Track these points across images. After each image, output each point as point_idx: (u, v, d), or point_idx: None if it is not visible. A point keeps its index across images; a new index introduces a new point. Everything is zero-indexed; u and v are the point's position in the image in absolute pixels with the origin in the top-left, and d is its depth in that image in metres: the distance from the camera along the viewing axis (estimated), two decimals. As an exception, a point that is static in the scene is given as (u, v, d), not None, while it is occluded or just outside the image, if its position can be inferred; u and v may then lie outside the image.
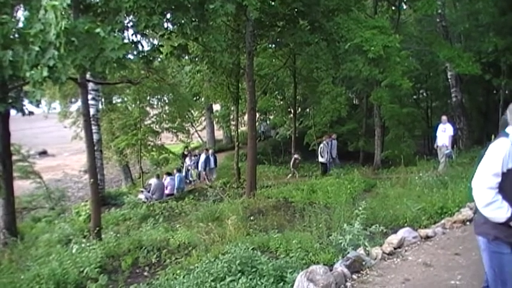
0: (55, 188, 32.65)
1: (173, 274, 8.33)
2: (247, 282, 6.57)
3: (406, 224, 10.23)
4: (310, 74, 27.98)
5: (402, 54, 21.06)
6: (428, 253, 7.77)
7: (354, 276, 6.91)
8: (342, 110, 27.10)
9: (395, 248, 8.06)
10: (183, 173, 26.37)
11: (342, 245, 8.15)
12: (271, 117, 39.49)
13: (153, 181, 24.12)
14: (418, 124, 32.29)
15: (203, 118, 41.78)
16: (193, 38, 15.67)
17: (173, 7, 13.36)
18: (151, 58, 15.14)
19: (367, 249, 7.79)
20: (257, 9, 16.10)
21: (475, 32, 26.39)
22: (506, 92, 26.32)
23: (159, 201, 20.99)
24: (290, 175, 24.22)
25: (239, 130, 26.70)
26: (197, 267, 7.66)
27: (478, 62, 23.39)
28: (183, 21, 13.56)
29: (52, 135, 54.61)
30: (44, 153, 50.32)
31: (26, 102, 14.16)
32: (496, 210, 4.25)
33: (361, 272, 7.07)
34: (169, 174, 24.58)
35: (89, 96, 17.51)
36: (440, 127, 18.69)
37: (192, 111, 38.15)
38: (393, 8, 26.30)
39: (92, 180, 13.01)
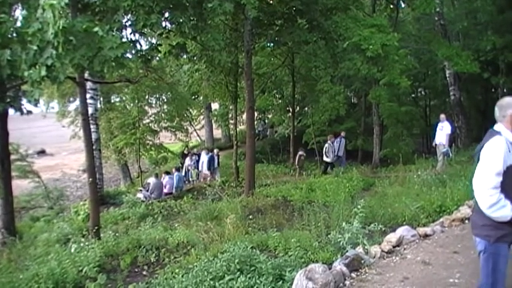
0: (53, 188, 32.65)
1: (172, 273, 8.33)
2: (246, 281, 6.58)
3: (404, 223, 10.24)
4: (309, 73, 27.97)
5: (400, 53, 21.04)
6: (427, 251, 7.77)
7: (353, 275, 6.92)
8: (340, 109, 27.04)
9: (394, 247, 8.06)
10: (183, 173, 26.37)
11: (341, 243, 8.16)
12: (270, 116, 39.50)
13: (151, 180, 24.11)
14: (417, 122, 32.31)
15: (202, 117, 41.76)
16: (192, 37, 15.64)
17: (171, 6, 13.34)
18: (149, 57, 15.11)
19: (366, 247, 7.79)
20: (255, 8, 16.08)
21: (473, 30, 26.41)
22: (505, 90, 26.28)
23: (157, 200, 20.97)
24: (297, 173, 23.99)
25: (238, 129, 26.67)
26: (196, 266, 7.68)
27: (476, 60, 23.40)
28: (181, 20, 13.55)
29: (50, 135, 54.59)
30: (42, 153, 50.28)
31: (24, 101, 14.18)
32: (501, 210, 4.26)
33: (360, 270, 7.07)
34: (168, 173, 24.58)
35: (87, 96, 17.51)
36: (439, 125, 18.69)
37: (191, 110, 38.14)
38: (391, 6, 26.34)
39: (90, 179, 12.99)
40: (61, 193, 31.84)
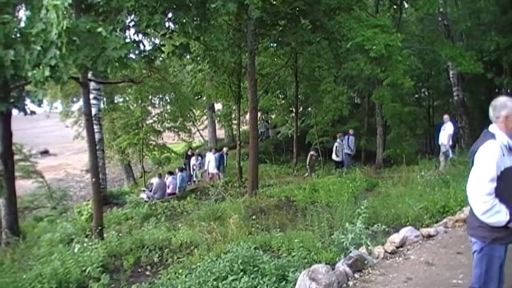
0: (57, 188, 32.65)
1: (175, 273, 8.35)
2: (249, 281, 6.58)
3: (408, 223, 10.25)
4: (312, 73, 27.96)
5: (404, 53, 21.00)
6: (431, 252, 7.76)
7: (356, 275, 6.91)
8: (343, 109, 27.02)
9: (397, 247, 8.05)
10: (189, 173, 26.39)
11: (344, 244, 8.16)
12: (273, 116, 39.47)
13: (155, 180, 24.11)
14: (420, 123, 32.18)
15: (205, 117, 41.72)
16: (195, 37, 15.66)
17: (175, 6, 13.35)
18: (152, 57, 15.12)
19: (369, 248, 7.79)
20: (259, 8, 16.11)
21: (476, 30, 26.37)
22: (508, 90, 26.27)
23: (161, 200, 20.99)
24: (307, 174, 23.89)
25: (241, 129, 26.66)
26: (199, 266, 7.68)
27: (479, 60, 23.36)
28: (184, 21, 13.55)
29: (54, 135, 54.63)
30: (45, 153, 50.34)
31: (27, 101, 14.18)
32: (495, 215, 4.26)
33: (363, 271, 7.07)
34: (171, 173, 24.57)
35: (91, 96, 17.52)
36: (443, 126, 18.67)
37: (194, 110, 38.13)
38: (395, 6, 26.28)
39: (93, 179, 13.01)
40: (64, 193, 31.85)
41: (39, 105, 13.31)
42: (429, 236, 8.64)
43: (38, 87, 9.68)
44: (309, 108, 33.31)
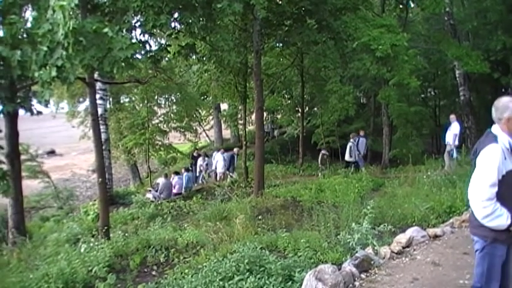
0: (63, 188, 32.78)
1: (181, 273, 8.35)
2: (255, 282, 6.58)
3: (414, 223, 10.23)
4: (318, 73, 27.97)
5: (410, 53, 20.96)
6: (437, 252, 7.75)
7: (363, 276, 6.90)
8: (349, 109, 27.01)
9: (403, 247, 8.04)
10: (196, 174, 26.39)
11: (350, 244, 8.15)
12: (279, 116, 39.45)
13: (161, 180, 24.15)
14: (426, 123, 32.08)
15: (211, 117, 41.80)
16: (201, 37, 15.70)
17: (181, 6, 13.39)
18: (159, 57, 15.17)
19: (375, 248, 7.78)
20: (264, 8, 16.10)
21: (483, 30, 26.25)
22: (515, 90, 26.22)
23: (167, 200, 21.01)
24: (319, 172, 23.79)
25: (247, 129, 26.65)
26: (205, 266, 7.68)
27: (486, 60, 23.28)
28: (190, 21, 13.60)
29: (60, 135, 54.78)
30: (52, 153, 50.52)
31: (34, 102, 14.21)
32: (496, 220, 4.25)
33: (370, 271, 7.06)
34: (177, 173, 24.60)
35: (97, 96, 17.55)
36: (450, 126, 18.63)
37: (200, 110, 38.18)
38: (401, 6, 26.20)
39: (100, 179, 13.03)
40: (71, 193, 31.95)
41: (46, 106, 13.33)
42: (436, 236, 8.62)
43: (44, 87, 9.71)
44: (315, 108, 33.27)
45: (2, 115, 14.30)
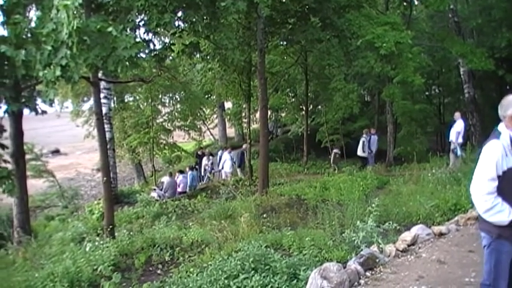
0: (68, 187, 32.89)
1: (186, 272, 8.35)
2: (260, 280, 6.58)
3: (419, 221, 10.23)
4: (322, 71, 27.93)
5: (414, 51, 20.93)
6: (442, 250, 7.74)
7: (368, 274, 6.90)
8: (354, 107, 26.98)
9: (408, 245, 8.04)
10: (201, 173, 26.39)
11: (355, 242, 8.14)
12: (283, 114, 39.43)
13: (165, 179, 24.19)
14: (431, 120, 32.02)
15: (215, 116, 41.83)
16: (205, 36, 15.68)
17: (184, 5, 13.38)
18: (163, 56, 15.17)
19: (380, 246, 7.77)
20: (268, 6, 16.11)
21: (487, 27, 26.17)
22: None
23: (171, 199, 21.02)
24: (331, 170, 23.65)
25: (251, 128, 26.64)
26: (210, 264, 7.70)
27: (491, 57, 23.19)
28: (194, 19, 13.60)
29: (64, 134, 54.87)
30: (56, 152, 50.62)
31: (39, 101, 14.24)
32: (497, 215, 4.29)
33: (375, 269, 7.06)
34: (181, 172, 24.61)
35: (101, 95, 17.58)
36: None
37: (204, 109, 38.26)
38: (405, 4, 26.15)
39: (104, 178, 13.04)
40: (75, 192, 32.05)
41: (50, 105, 13.40)
42: (441, 234, 8.61)
43: (48, 86, 9.73)
44: (319, 107, 33.28)
45: (6, 115, 14.35)
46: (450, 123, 19.22)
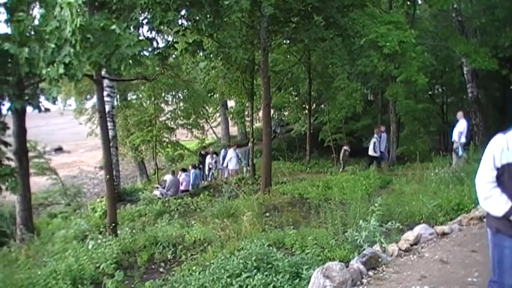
0: (71, 185, 32.88)
1: (189, 270, 8.37)
2: (263, 279, 6.58)
3: (422, 221, 10.22)
4: (325, 70, 27.92)
5: (418, 50, 20.90)
6: (445, 250, 7.72)
7: (370, 273, 6.89)
8: (357, 106, 26.97)
9: (411, 245, 8.02)
10: (205, 171, 26.37)
11: (358, 241, 8.14)
12: (286, 113, 39.41)
13: (168, 177, 24.20)
14: (434, 120, 31.99)
15: (218, 114, 41.83)
16: (208, 34, 15.69)
17: (188, 3, 13.39)
18: (166, 54, 15.17)
19: (383, 245, 7.75)
20: (272, 5, 16.11)
21: (491, 26, 26.15)
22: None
23: (174, 197, 21.04)
24: (340, 169, 23.61)
25: (254, 126, 26.63)
26: (213, 263, 7.70)
27: (494, 57, 23.20)
28: (197, 18, 13.59)
29: (67, 132, 54.91)
30: (59, 150, 50.70)
31: (42, 99, 14.25)
32: (493, 204, 4.38)
33: (378, 268, 7.04)
34: (184, 170, 24.61)
35: (104, 93, 17.56)
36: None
37: (207, 107, 38.19)
38: (408, 3, 26.11)
39: (107, 176, 13.06)
40: (78, 190, 32.05)
41: (53, 103, 13.38)
42: (443, 234, 8.59)
43: (52, 84, 9.75)
44: (322, 105, 33.23)
45: (10, 112, 14.36)
46: (453, 123, 19.16)
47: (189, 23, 14.64)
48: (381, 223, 8.58)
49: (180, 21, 14.32)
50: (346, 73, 27.29)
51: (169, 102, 33.54)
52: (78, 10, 9.01)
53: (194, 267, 8.40)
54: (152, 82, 25.04)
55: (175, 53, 17.45)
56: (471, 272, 6.49)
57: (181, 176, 23.73)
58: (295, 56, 26.32)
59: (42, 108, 14.04)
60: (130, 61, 10.36)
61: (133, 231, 12.54)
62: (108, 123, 18.24)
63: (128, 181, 37.90)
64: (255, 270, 6.88)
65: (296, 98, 34.39)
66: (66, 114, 39.07)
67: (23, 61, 9.53)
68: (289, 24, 19.86)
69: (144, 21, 13.25)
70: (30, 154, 20.78)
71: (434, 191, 12.90)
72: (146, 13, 13.09)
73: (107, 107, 20.50)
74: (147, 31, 13.87)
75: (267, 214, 12.85)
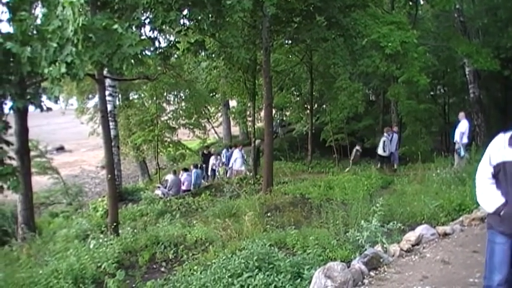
0: (72, 184, 32.89)
1: (190, 270, 8.37)
2: (264, 279, 6.58)
3: (423, 221, 10.21)
4: (327, 70, 27.87)
5: (420, 50, 20.90)
6: (447, 250, 7.73)
7: (372, 273, 6.89)
8: (358, 106, 26.97)
9: (413, 245, 8.03)
10: (208, 172, 26.34)
11: (359, 241, 8.14)
12: (288, 113, 39.40)
13: (169, 177, 24.19)
14: (435, 120, 32.00)
15: (219, 114, 41.84)
16: (210, 34, 15.68)
17: (190, 3, 13.38)
18: (168, 54, 15.15)
19: (384, 246, 7.75)
20: (274, 5, 16.10)
21: (493, 27, 26.13)
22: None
23: (175, 197, 21.03)
24: (348, 168, 23.40)
25: (255, 126, 26.62)
26: (214, 263, 7.71)
27: (496, 57, 23.18)
28: (200, 17, 13.58)
29: (69, 131, 54.96)
30: (61, 149, 50.70)
31: (44, 98, 14.25)
32: (486, 200, 4.59)
33: (379, 269, 7.04)
34: (186, 170, 24.60)
35: (106, 92, 17.55)
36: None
37: (209, 107, 38.24)
38: (410, 3, 26.13)
39: (109, 175, 13.05)
40: (80, 189, 32.05)
41: (55, 102, 13.35)
42: (445, 234, 8.60)
43: (54, 83, 9.76)
44: (324, 106, 33.22)
45: (12, 111, 14.35)
46: (455, 123, 19.18)
47: (191, 23, 14.62)
48: (382, 223, 8.56)
49: (182, 21, 14.29)
50: (348, 73, 27.27)
51: (171, 102, 33.62)
52: (80, 9, 9.01)
53: (195, 267, 8.40)
54: (154, 82, 25.03)
55: (177, 52, 17.43)
56: (473, 272, 6.49)
57: (183, 176, 23.72)
58: (297, 56, 26.30)
59: (44, 108, 14.00)
60: (132, 60, 10.36)
61: (135, 230, 12.56)
62: (110, 123, 18.24)
63: (130, 181, 37.94)
64: (257, 270, 6.88)
65: (298, 98, 34.36)
66: (68, 114, 39.15)
67: (25, 60, 9.53)
68: (291, 24, 19.86)
69: (146, 21, 13.23)
70: (32, 153, 20.78)
71: (436, 191, 12.89)
72: (148, 13, 13.08)
73: (109, 107, 20.51)
74: (149, 31, 13.87)
75: (269, 214, 12.83)
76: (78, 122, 37.99)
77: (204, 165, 26.78)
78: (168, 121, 30.73)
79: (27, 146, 16.52)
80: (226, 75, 24.50)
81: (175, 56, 21.35)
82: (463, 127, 17.92)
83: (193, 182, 23.43)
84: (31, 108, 14.85)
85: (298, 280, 6.79)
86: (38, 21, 10.53)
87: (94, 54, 9.41)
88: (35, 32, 10.15)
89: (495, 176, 4.54)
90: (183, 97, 33.41)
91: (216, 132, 43.40)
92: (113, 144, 17.66)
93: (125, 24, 10.08)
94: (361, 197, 13.07)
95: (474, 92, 26.68)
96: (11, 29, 10.91)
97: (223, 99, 36.74)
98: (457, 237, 8.52)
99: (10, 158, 14.34)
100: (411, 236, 8.25)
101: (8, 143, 13.78)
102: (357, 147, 24.80)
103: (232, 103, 40.12)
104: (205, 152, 29.04)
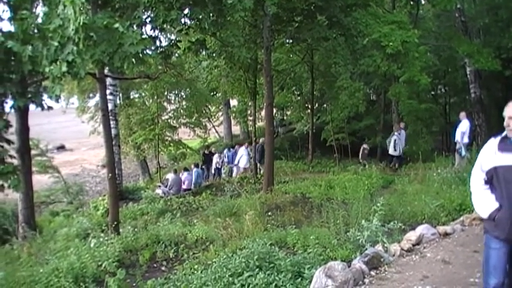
0: (73, 183, 32.89)
1: (191, 269, 8.38)
2: (265, 278, 6.58)
3: (424, 221, 10.22)
4: (328, 69, 27.87)
5: (421, 50, 20.90)
6: (447, 250, 7.72)
7: (372, 273, 6.89)
8: (359, 106, 26.96)
9: (413, 245, 8.02)
10: (212, 171, 26.33)
11: (360, 241, 8.13)
12: (289, 112, 39.41)
13: (170, 176, 24.20)
14: (436, 120, 31.95)
15: (220, 113, 41.88)
16: (211, 33, 15.70)
17: (191, 2, 13.39)
18: (169, 53, 15.18)
19: (385, 245, 7.75)
20: (275, 4, 16.09)
21: (494, 27, 26.09)
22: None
23: (176, 196, 21.03)
24: (361, 167, 23.26)
25: (256, 125, 26.61)
26: (215, 262, 7.71)
27: (497, 57, 23.14)
28: (201, 17, 13.58)
29: (70, 130, 55.05)
30: (62, 148, 50.80)
31: (45, 97, 14.24)
32: (480, 206, 4.67)
33: (380, 268, 7.04)
34: (186, 169, 24.61)
35: (107, 91, 17.55)
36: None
37: (209, 106, 38.26)
38: (412, 2, 26.11)
39: (110, 174, 13.05)
40: (80, 188, 32.06)
41: (56, 101, 13.34)
42: (446, 234, 8.60)
43: (55, 82, 9.76)
44: (325, 105, 33.22)
45: (12, 110, 14.34)
46: (456, 123, 19.16)
47: (192, 22, 14.61)
48: (383, 223, 8.56)
49: (183, 20, 14.29)
50: (349, 73, 27.28)
51: (172, 101, 33.68)
52: (81, 8, 9.03)
53: (196, 266, 8.41)
54: (155, 81, 25.04)
55: (178, 51, 17.46)
56: (473, 272, 6.49)
57: (184, 175, 23.73)
58: (298, 55, 26.29)
59: (45, 106, 13.99)
60: (133, 59, 10.36)
61: (136, 229, 12.60)
62: (111, 122, 18.22)
63: (130, 179, 37.98)
64: (257, 269, 6.88)
65: (299, 98, 34.39)
66: (69, 113, 39.12)
67: (26, 59, 9.54)
68: (292, 23, 19.85)
69: (147, 20, 13.24)
70: (33, 152, 20.77)
71: (436, 191, 12.88)
72: (149, 11, 13.10)
73: (110, 106, 20.52)
74: (150, 30, 13.87)
75: (269, 213, 12.80)
76: (79, 120, 38.06)
77: (204, 165, 26.77)
78: (169, 120, 30.78)
79: (28, 145, 16.51)
80: (227, 74, 24.48)
81: (176, 55, 21.37)
82: (464, 127, 17.91)
83: (194, 181, 23.47)
84: (32, 107, 14.84)
85: (299, 279, 6.79)
86: (39, 20, 10.51)
87: (95, 53, 9.41)
88: (36, 30, 10.15)
89: (488, 181, 4.59)
90: (184, 96, 33.47)
91: (216, 132, 43.44)
92: (113, 143, 17.65)
93: (126, 23, 10.07)
94: (362, 196, 13.07)
95: (475, 91, 26.65)
96: (12, 28, 10.92)
97: (224, 98, 36.79)
98: (457, 237, 8.52)
99: (11, 156, 14.33)
100: (412, 235, 8.24)
101: (8, 142, 13.79)
102: (364, 146, 24.78)
103: (233, 102, 40.18)
104: (206, 152, 29.03)
